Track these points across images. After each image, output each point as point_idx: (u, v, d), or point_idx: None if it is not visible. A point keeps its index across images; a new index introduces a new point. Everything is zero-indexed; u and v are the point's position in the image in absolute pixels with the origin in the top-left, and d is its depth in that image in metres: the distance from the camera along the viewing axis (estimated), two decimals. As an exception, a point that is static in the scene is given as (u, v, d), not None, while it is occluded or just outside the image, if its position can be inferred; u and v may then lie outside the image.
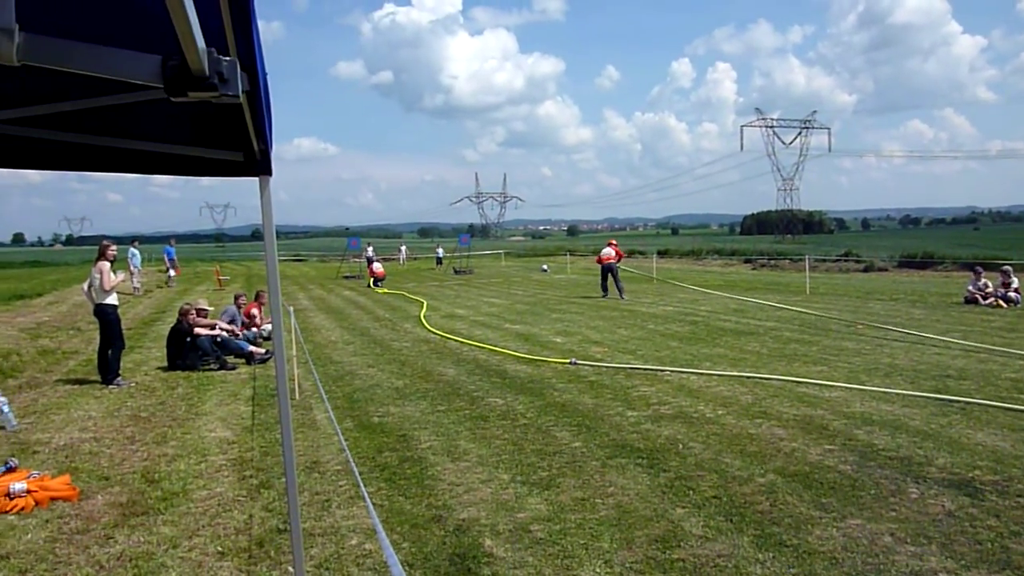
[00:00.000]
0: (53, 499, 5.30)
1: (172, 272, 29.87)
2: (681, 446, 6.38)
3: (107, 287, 9.55)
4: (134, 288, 25.13)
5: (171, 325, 11.39)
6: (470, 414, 7.72)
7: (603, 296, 21.17)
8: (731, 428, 6.91)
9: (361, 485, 2.84)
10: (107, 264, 9.65)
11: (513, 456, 6.23)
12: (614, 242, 21.96)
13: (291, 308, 10.15)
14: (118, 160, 2.32)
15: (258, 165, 2.33)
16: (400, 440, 6.82)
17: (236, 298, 13.28)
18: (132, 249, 26.09)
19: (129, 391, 9.15)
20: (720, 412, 7.51)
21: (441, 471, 5.89)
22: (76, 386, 9.56)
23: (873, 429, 6.73)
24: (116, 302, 9.79)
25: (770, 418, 7.22)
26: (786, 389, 8.49)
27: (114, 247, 10.01)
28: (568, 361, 10.57)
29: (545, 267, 39.76)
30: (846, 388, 8.43)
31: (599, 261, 21.85)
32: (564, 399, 8.27)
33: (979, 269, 18.06)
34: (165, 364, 10.86)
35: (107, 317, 9.57)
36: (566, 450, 6.37)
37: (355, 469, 3.10)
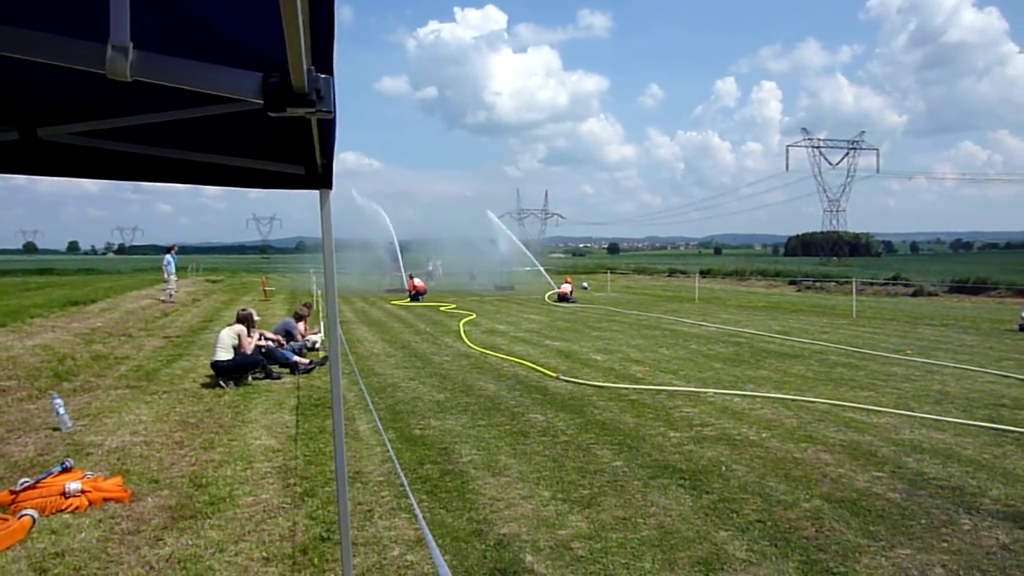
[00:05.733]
0: (106, 500, 5.45)
1: (171, 285, 26.46)
2: (724, 468, 6.30)
3: (248, 350, 10.46)
4: (168, 294, 25.69)
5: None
6: (510, 429, 7.73)
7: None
8: (775, 451, 6.81)
9: (411, 496, 2.87)
10: (244, 328, 10.55)
11: (554, 473, 6.22)
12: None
13: (335, 320, 10.30)
14: (184, 172, 2.41)
15: (319, 179, 2.40)
16: (441, 453, 6.86)
17: (297, 312, 13.51)
18: (168, 257, 26.56)
19: (178, 398, 9.37)
20: (764, 435, 7.40)
21: (482, 485, 5.91)
22: (127, 391, 9.82)
23: (923, 457, 6.56)
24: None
25: (816, 442, 7.09)
26: (832, 413, 8.33)
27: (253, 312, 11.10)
28: (555, 375, 10.93)
29: (586, 284, 39.69)
30: (895, 414, 8.24)
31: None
32: (605, 417, 8.23)
33: None
34: (211, 371, 11.08)
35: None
36: (607, 469, 6.34)
37: (404, 480, 3.13)
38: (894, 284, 34.95)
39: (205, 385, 10.23)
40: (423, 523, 2.46)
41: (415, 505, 2.71)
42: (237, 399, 9.36)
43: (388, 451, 6.82)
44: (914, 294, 31.99)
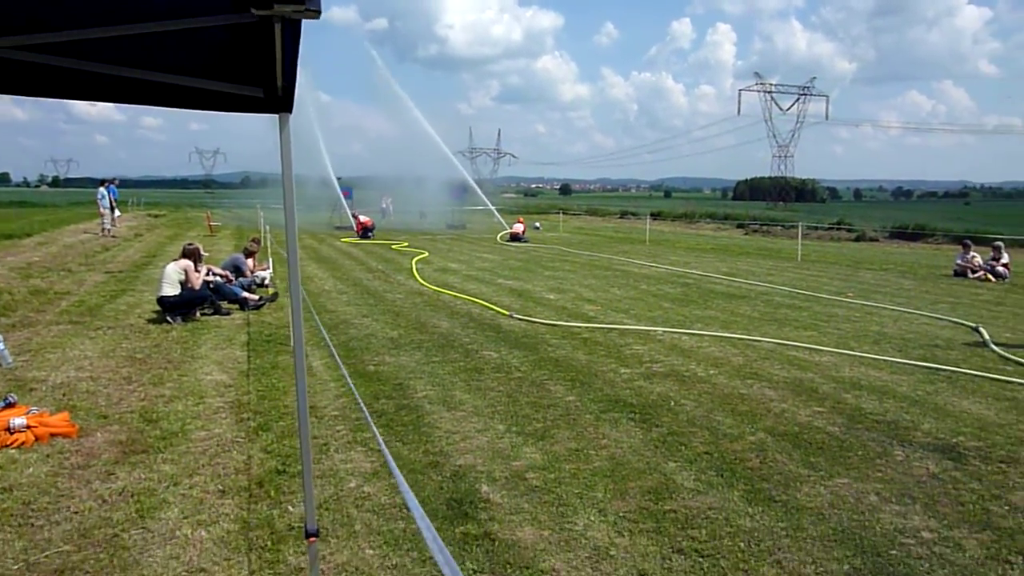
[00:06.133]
0: (53, 435, 5.34)
1: (106, 219, 25.53)
2: (673, 403, 6.49)
3: (196, 285, 10.19)
4: (104, 228, 25.01)
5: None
6: (465, 366, 7.79)
7: None
8: (722, 388, 7.02)
9: (373, 426, 2.88)
10: (191, 263, 10.22)
11: (508, 407, 6.32)
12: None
13: (285, 255, 10.10)
14: (135, 91, 2.29)
15: (279, 102, 2.31)
16: (396, 388, 6.89)
17: (247, 248, 13.16)
18: (102, 190, 25.73)
19: (124, 334, 9.15)
20: (712, 372, 7.62)
21: (437, 419, 5.97)
22: (70, 326, 9.55)
23: (861, 394, 6.85)
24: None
25: (761, 379, 7.34)
26: (777, 352, 8.60)
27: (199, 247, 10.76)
28: (508, 314, 11.00)
29: (538, 225, 39.69)
30: (836, 353, 8.55)
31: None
32: (558, 355, 8.35)
33: (968, 243, 18.19)
34: (157, 307, 10.83)
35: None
36: (560, 403, 6.46)
37: (365, 411, 3.14)
38: (838, 229, 35.86)
39: (151, 321, 10.01)
40: (388, 454, 2.48)
41: (378, 436, 2.72)
42: (185, 335, 9.19)
43: (343, 386, 6.84)
44: (856, 239, 32.93)
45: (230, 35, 2.18)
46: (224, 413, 6.10)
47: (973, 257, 17.21)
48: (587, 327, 10.09)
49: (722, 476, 4.85)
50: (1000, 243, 17.33)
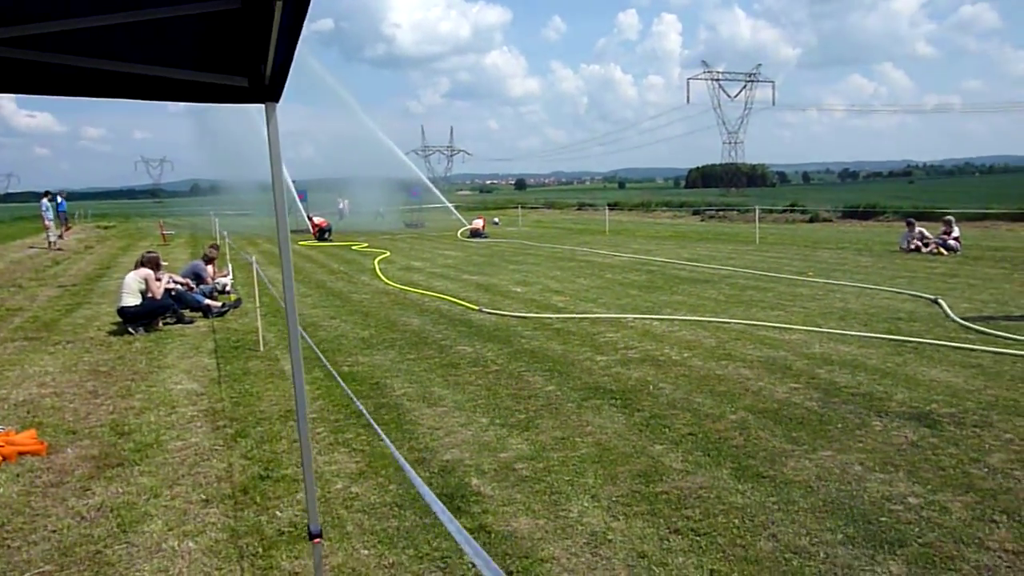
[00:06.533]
0: (21, 454, 5.14)
1: (51, 232, 25.09)
2: (652, 387, 6.52)
3: (157, 294, 9.95)
4: (50, 241, 24.44)
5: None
6: (440, 362, 7.73)
7: None
8: (698, 370, 7.08)
9: (373, 424, 2.82)
10: (151, 272, 9.98)
11: (489, 400, 6.28)
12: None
13: (253, 258, 9.91)
14: (114, 84, 2.19)
15: (265, 91, 2.24)
16: (373, 388, 6.80)
17: (206, 254, 12.85)
18: (44, 202, 25.16)
19: (84, 347, 8.87)
20: (686, 355, 7.68)
21: (419, 416, 5.91)
22: (26, 343, 9.22)
23: (834, 368, 6.98)
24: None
25: (735, 360, 7.42)
26: (747, 333, 8.72)
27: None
28: (478, 308, 10.97)
29: (497, 220, 39.64)
30: (804, 331, 8.70)
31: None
32: (532, 346, 8.33)
33: (911, 221, 18.63)
34: (117, 319, 10.53)
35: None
36: (540, 393, 6.45)
37: (364, 411, 3.08)
38: (792, 212, 36.53)
39: (112, 333, 9.72)
40: (392, 448, 2.42)
41: (380, 432, 2.67)
42: (149, 345, 8.95)
43: (319, 388, 6.74)
44: (810, 220, 33.57)
45: (212, 23, 2.10)
46: (199, 422, 5.94)
47: (919, 234, 17.65)
48: (558, 317, 10.10)
49: (709, 456, 4.89)
50: (951, 217, 17.82)
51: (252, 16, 2.00)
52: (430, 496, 1.96)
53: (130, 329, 9.54)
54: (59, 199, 28.56)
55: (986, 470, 4.50)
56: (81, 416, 6.15)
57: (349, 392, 3.43)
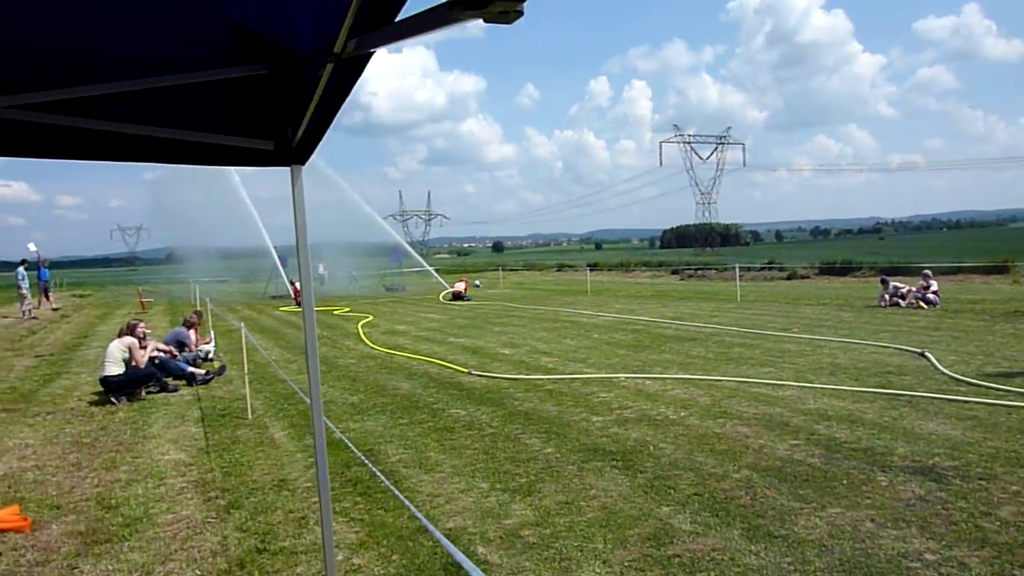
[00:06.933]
0: (3, 531, 4.93)
1: (27, 301, 24.49)
2: (652, 447, 6.44)
3: (141, 363, 9.80)
4: (24, 312, 24.02)
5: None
6: (434, 426, 7.60)
7: None
8: (696, 428, 7.02)
9: (384, 480, 2.73)
10: (135, 340, 9.86)
11: (487, 464, 6.16)
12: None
13: (242, 326, 9.77)
14: (138, 148, 2.18)
15: (291, 153, 2.23)
16: (368, 454, 6.64)
17: (188, 320, 12.68)
18: (20, 270, 24.86)
19: (65, 418, 8.63)
20: (682, 414, 7.63)
21: (417, 483, 5.77)
22: (4, 414, 8.95)
23: (831, 424, 6.95)
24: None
25: (732, 417, 7.38)
26: (740, 390, 8.70)
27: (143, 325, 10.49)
28: (467, 371, 10.86)
29: (478, 282, 39.73)
30: (797, 387, 8.70)
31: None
32: (526, 408, 8.23)
33: (885, 279, 18.98)
34: (99, 388, 10.28)
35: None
36: (540, 456, 6.34)
37: (375, 470, 2.98)
38: (770, 269, 37.04)
39: (94, 403, 9.48)
40: (415, 511, 2.34)
41: (394, 490, 2.58)
42: (133, 415, 8.73)
43: (311, 456, 6.56)
44: (788, 277, 34.03)
45: (239, 88, 2.11)
46: (189, 493, 5.75)
47: (894, 289, 17.96)
48: (549, 378, 10.02)
49: (717, 516, 4.80)
50: (928, 271, 18.14)
51: (280, 80, 2.01)
52: (468, 564, 1.88)
53: (112, 399, 9.32)
54: (42, 268, 28.22)
55: (998, 523, 4.46)
56: (65, 490, 5.93)
57: (361, 456, 3.34)
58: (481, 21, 1.07)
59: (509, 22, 1.08)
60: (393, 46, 1.38)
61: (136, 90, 2.04)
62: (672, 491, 5.31)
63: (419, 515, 2.30)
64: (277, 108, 2.09)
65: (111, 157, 2.16)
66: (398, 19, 1.30)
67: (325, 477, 2.54)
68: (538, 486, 5.56)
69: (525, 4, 1.04)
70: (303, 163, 2.23)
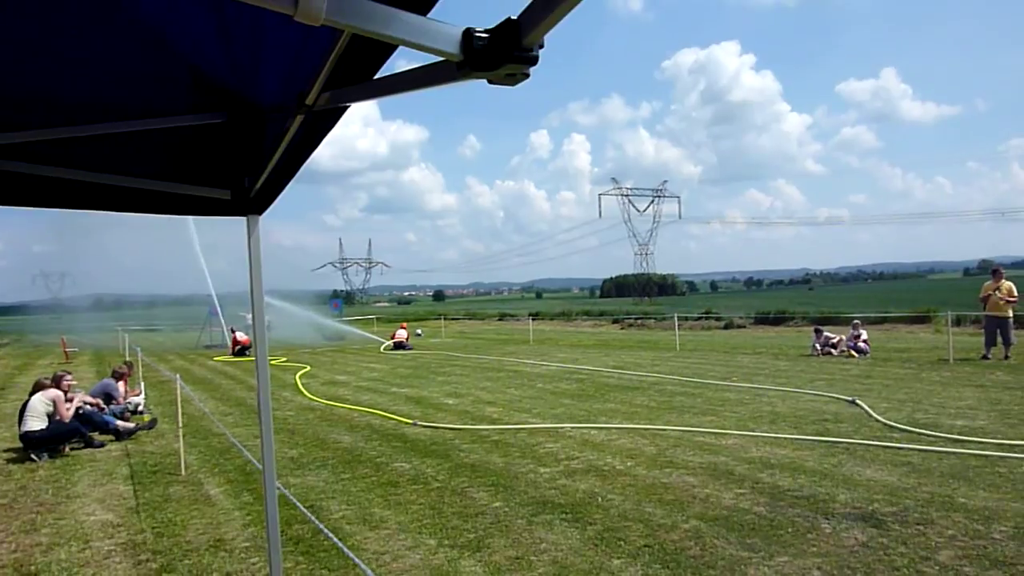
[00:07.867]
0: (-91, 603, 4.55)
1: None
2: (601, 499, 6.40)
3: (66, 417, 9.37)
4: None
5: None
6: (378, 480, 7.41)
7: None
8: (644, 479, 7.02)
9: (341, 547, 2.62)
10: (60, 393, 9.44)
11: (434, 520, 6.01)
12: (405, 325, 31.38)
13: (178, 376, 9.40)
14: (91, 196, 2.10)
15: (248, 203, 2.18)
16: (309, 511, 6.38)
17: (116, 371, 12.15)
18: None
19: (-20, 476, 8.10)
20: (629, 464, 7.63)
21: (362, 540, 5.58)
22: (-89, 474, 8.35)
23: (774, 472, 7.05)
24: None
25: (678, 467, 7.41)
26: (684, 439, 8.76)
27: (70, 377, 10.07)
28: (411, 422, 10.72)
29: (420, 331, 39.42)
30: (739, 435, 8.81)
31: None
32: (473, 459, 8.11)
33: (819, 329, 19.68)
34: (16, 444, 9.71)
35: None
36: (488, 510, 6.22)
37: (322, 527, 2.87)
38: (707, 318, 37.85)
39: (11, 460, 8.94)
40: (366, 568, 2.25)
41: (343, 547, 2.48)
42: (55, 472, 8.25)
43: (249, 514, 6.32)
44: (725, 327, 34.80)
45: (195, 136, 2.07)
46: (117, 557, 5.43)
47: (826, 339, 18.59)
48: (495, 428, 9.93)
49: (668, 568, 4.78)
50: (858, 321, 18.81)
51: (239, 129, 1.98)
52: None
53: (33, 455, 8.81)
54: None
55: (938, 568, 4.56)
56: (-21, 556, 5.52)
57: (305, 512, 3.22)
58: (485, 81, 1.07)
59: (514, 84, 1.09)
60: (371, 102, 1.37)
61: (87, 135, 1.98)
62: (622, 543, 5.27)
63: (370, 573, 2.20)
64: (234, 157, 2.05)
65: (55, 204, 2.06)
66: (380, 75, 1.29)
67: (276, 535, 2.43)
68: (487, 541, 5.44)
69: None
70: (260, 213, 2.18)
